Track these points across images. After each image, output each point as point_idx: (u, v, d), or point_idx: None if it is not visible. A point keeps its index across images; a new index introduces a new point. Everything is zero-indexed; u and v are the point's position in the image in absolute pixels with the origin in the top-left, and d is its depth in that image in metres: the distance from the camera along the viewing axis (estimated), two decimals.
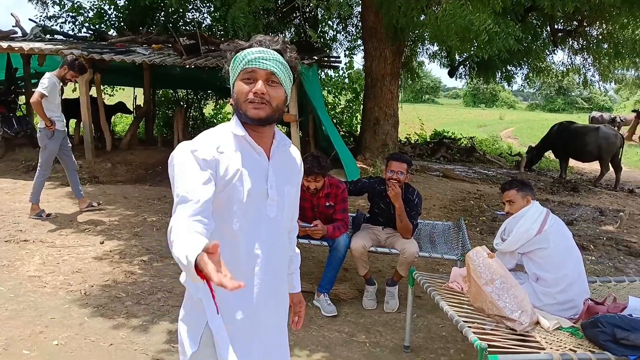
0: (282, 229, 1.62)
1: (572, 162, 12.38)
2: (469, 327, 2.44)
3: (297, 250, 1.82)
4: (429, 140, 14.21)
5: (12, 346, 3.06)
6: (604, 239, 6.07)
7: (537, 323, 2.67)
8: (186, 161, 1.42)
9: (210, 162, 1.43)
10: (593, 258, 5.35)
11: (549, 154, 12.14)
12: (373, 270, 4.27)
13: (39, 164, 5.86)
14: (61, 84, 5.68)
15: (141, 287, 4.05)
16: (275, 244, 1.58)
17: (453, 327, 3.55)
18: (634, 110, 24.96)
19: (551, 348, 2.40)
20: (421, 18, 7.07)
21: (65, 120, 5.94)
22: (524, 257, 3.04)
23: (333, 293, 3.90)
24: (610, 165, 10.62)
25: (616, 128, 24.24)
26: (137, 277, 4.24)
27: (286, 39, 1.48)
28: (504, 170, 11.68)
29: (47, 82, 5.49)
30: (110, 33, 11.29)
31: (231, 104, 1.54)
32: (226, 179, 1.46)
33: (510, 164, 12.63)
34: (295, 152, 1.69)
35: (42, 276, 4.14)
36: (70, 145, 6.03)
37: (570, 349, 2.39)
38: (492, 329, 2.54)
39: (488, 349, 2.22)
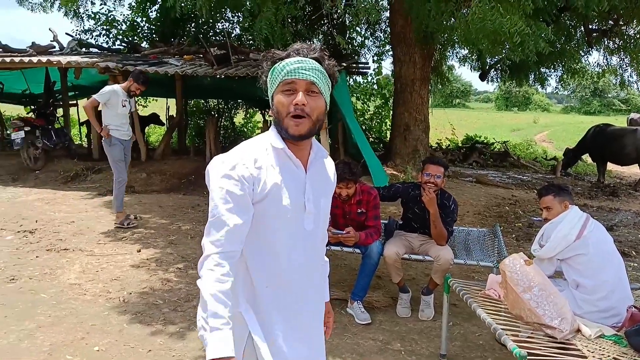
0: (319, 242, 1.62)
1: (611, 166, 12.04)
2: (507, 335, 2.40)
3: (326, 259, 1.80)
4: (460, 145, 14.02)
5: (56, 351, 3.15)
6: None
7: (578, 331, 2.60)
8: (222, 179, 1.43)
9: (247, 178, 1.43)
10: (635, 264, 5.18)
11: (587, 158, 11.84)
12: (406, 278, 4.23)
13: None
14: (127, 96, 5.87)
15: (177, 295, 4.12)
16: (313, 256, 1.59)
17: (490, 335, 3.51)
18: None
19: (593, 357, 2.33)
20: (451, 21, 7.02)
21: (131, 131, 6.13)
22: (563, 263, 2.96)
23: (366, 301, 3.88)
24: None
25: None
26: (174, 285, 4.32)
27: (323, 47, 1.44)
28: (539, 175, 11.43)
29: (104, 90, 5.75)
30: (142, 45, 11.59)
31: (270, 116, 1.52)
32: (264, 193, 1.45)
33: (545, 169, 12.35)
34: (330, 163, 1.67)
35: (82, 284, 4.26)
36: (129, 157, 6.22)
37: (613, 358, 2.32)
38: (530, 337, 2.49)
39: (528, 357, 2.17)
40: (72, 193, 7.65)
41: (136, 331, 3.48)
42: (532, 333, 2.53)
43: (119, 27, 12.53)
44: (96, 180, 8.49)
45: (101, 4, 12.46)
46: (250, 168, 1.44)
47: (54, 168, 9.04)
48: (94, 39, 12.35)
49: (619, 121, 24.97)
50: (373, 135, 12.96)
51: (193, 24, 12.17)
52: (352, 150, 9.53)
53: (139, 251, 5.13)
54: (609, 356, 2.36)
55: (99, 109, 6.02)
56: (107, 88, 5.78)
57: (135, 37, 12.22)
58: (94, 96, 5.76)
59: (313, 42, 12.35)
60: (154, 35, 12.12)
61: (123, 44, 11.63)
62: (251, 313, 1.51)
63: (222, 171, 1.44)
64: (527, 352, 2.22)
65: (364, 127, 12.76)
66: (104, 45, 11.86)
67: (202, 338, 1.39)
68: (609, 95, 53.14)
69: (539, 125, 30.46)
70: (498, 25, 5.37)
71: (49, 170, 8.95)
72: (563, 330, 2.47)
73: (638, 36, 9.79)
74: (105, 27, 12.46)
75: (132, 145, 9.60)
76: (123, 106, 5.83)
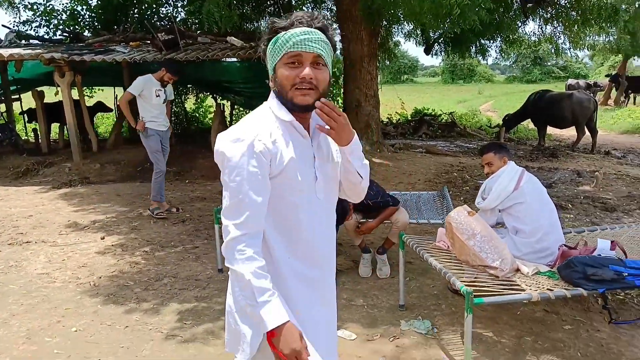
0: (330, 208, 1.61)
1: (551, 130, 12.74)
2: (455, 277, 2.69)
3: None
4: (410, 119, 14.45)
5: (34, 336, 3.25)
6: (582, 198, 6.38)
7: (518, 270, 2.93)
8: (241, 157, 1.40)
9: (265, 154, 1.41)
10: (571, 216, 5.66)
11: (529, 124, 12.47)
12: (366, 242, 4.51)
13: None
14: (160, 85, 5.75)
15: (147, 275, 4.25)
16: (329, 225, 1.61)
17: (444, 286, 3.84)
18: (607, 75, 25.52)
19: (530, 289, 2.66)
20: None
21: (167, 121, 6.02)
22: (504, 212, 3.30)
23: None
24: (586, 129, 10.97)
25: (592, 94, 24.86)
26: (142, 267, 4.44)
27: (323, 14, 1.42)
28: (484, 143, 11.98)
29: (136, 81, 5.65)
30: (85, 34, 11.29)
31: (272, 88, 1.49)
32: (282, 167, 1.44)
33: (490, 136, 12.94)
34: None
35: (50, 273, 4.32)
36: (167, 148, 6.08)
37: (547, 289, 2.66)
38: (476, 278, 2.80)
39: (474, 293, 2.47)
40: (25, 188, 7.53)
41: (110, 311, 3.61)
42: (477, 275, 2.83)
43: (58, 16, 12.11)
44: (48, 174, 8.35)
45: None
46: (267, 143, 1.41)
47: (3, 164, 8.83)
48: (34, 30, 11.92)
49: (559, 87, 26.16)
50: None
51: (136, 10, 11.94)
52: None
53: (103, 238, 5.19)
54: (544, 287, 2.69)
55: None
56: (139, 79, 5.68)
57: (77, 27, 11.87)
58: (128, 89, 5.70)
59: (259, 27, 12.39)
60: (97, 24, 11.82)
61: (65, 34, 11.30)
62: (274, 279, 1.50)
63: (238, 149, 1.40)
64: (473, 289, 2.51)
65: None
66: (45, 36, 11.47)
67: (251, 316, 1.44)
68: (549, 64, 55.08)
69: (483, 96, 31.47)
70: None
71: None
72: (504, 269, 2.79)
73: (569, 5, 10.32)
74: (44, 17, 12.03)
75: (82, 137, 9.57)
76: (157, 96, 5.74)
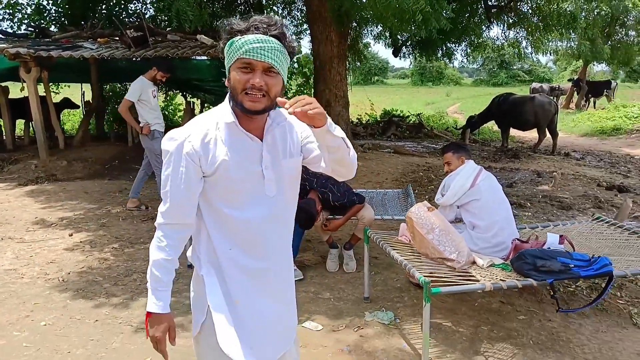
0: (285, 205, 1.63)
1: (514, 132, 13.17)
2: (415, 268, 2.85)
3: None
4: (379, 119, 14.69)
5: (3, 330, 3.26)
6: (540, 197, 6.68)
7: (474, 262, 3.11)
8: (169, 155, 1.52)
9: (192, 154, 1.49)
10: (529, 214, 5.92)
11: (493, 125, 12.85)
12: (334, 239, 4.65)
13: (143, 163, 6.00)
14: (153, 85, 5.70)
15: (116, 271, 4.28)
16: (282, 220, 1.63)
17: (407, 279, 4.01)
18: (569, 80, 26.40)
19: (484, 280, 2.84)
20: (363, 1, 7.41)
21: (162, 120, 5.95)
22: (462, 209, 3.48)
23: (298, 260, 4.25)
24: (547, 131, 11.39)
25: (555, 97, 25.69)
26: (111, 263, 4.46)
27: (281, 21, 1.47)
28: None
29: (132, 87, 5.59)
30: (52, 29, 11.10)
31: (227, 86, 1.52)
32: (213, 167, 1.50)
33: (456, 137, 13.28)
34: (291, 124, 1.64)
35: (18, 269, 4.31)
36: None
37: (500, 280, 2.84)
38: (435, 269, 2.96)
39: (431, 283, 2.63)
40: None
41: (80, 305, 3.64)
42: (435, 267, 3.00)
43: (23, 10, 11.88)
44: (14, 171, 8.23)
45: None
46: (196, 144, 1.49)
47: None
48: None
49: (524, 90, 26.93)
50: None
51: (104, 6, 11.81)
52: None
53: (71, 235, 5.18)
54: (497, 278, 2.88)
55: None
56: (134, 84, 5.62)
57: (43, 21, 11.66)
58: (126, 97, 5.66)
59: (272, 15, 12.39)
60: (64, 19, 11.63)
61: (30, 29, 11.08)
62: (212, 276, 1.60)
63: (169, 147, 1.52)
64: (431, 280, 2.67)
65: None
66: (8, 30, 11.24)
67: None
68: (514, 68, 56.45)
69: (451, 98, 32.10)
70: (402, 3, 5.83)
71: None
72: (460, 261, 2.97)
73: (531, 12, 10.71)
74: (7, 10, 11.77)
75: (48, 134, 9.42)
76: (154, 97, 5.71)
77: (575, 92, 24.18)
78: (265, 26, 1.44)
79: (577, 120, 17.34)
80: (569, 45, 21.21)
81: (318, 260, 4.46)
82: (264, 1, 12.38)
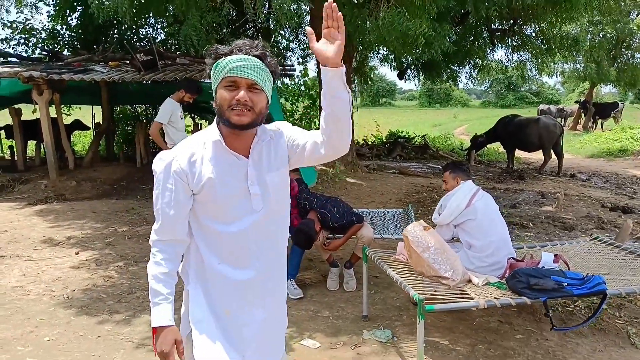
0: (272, 218, 1.69)
1: (520, 154, 13.20)
2: (410, 285, 2.90)
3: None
4: (385, 140, 14.81)
5: (7, 345, 3.33)
6: (543, 217, 6.69)
7: (470, 281, 3.15)
8: (159, 174, 1.63)
9: (179, 173, 1.59)
10: (531, 234, 5.94)
11: (499, 147, 12.88)
12: (335, 258, 4.70)
13: None
14: (180, 107, 5.76)
15: (120, 289, 4.35)
16: (268, 234, 1.70)
17: (406, 299, 4.04)
18: (577, 101, 26.46)
19: (479, 297, 2.88)
20: (366, 25, 7.58)
21: None
22: (458, 228, 3.53)
23: (299, 279, 4.31)
24: (552, 153, 11.41)
25: (562, 119, 25.69)
26: (116, 280, 4.54)
27: (263, 43, 1.60)
28: None
29: (162, 109, 5.66)
30: (64, 53, 11.40)
31: (214, 108, 1.62)
32: (200, 185, 1.59)
33: (462, 158, 13.34)
34: (275, 139, 1.70)
35: (25, 286, 4.39)
36: None
37: (494, 297, 2.88)
38: (430, 287, 3.01)
39: (425, 300, 2.68)
40: (0, 205, 7.54)
41: (83, 322, 3.71)
42: (431, 285, 3.04)
43: (37, 35, 12.22)
44: (24, 191, 8.37)
45: (17, 13, 12.14)
46: (183, 164, 1.59)
47: None
48: (12, 48, 12.00)
49: (531, 112, 26.99)
50: None
51: (116, 30, 12.12)
52: None
53: (77, 254, 5.27)
54: (491, 296, 2.91)
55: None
56: (164, 107, 5.66)
57: (56, 45, 11.99)
58: (156, 119, 5.70)
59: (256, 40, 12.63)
60: (76, 43, 11.95)
61: (44, 53, 11.39)
62: (198, 290, 1.68)
63: (159, 168, 1.63)
64: (425, 297, 2.72)
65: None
66: (23, 54, 11.55)
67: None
68: (522, 89, 56.60)
69: (458, 120, 32.24)
70: (405, 28, 5.96)
71: None
72: (455, 279, 3.01)
73: (534, 35, 10.86)
74: (23, 35, 12.12)
75: (58, 155, 9.60)
76: (181, 118, 5.75)
77: (582, 114, 24.21)
78: (247, 48, 1.56)
79: (583, 141, 17.33)
80: (575, 67, 21.40)
81: (319, 279, 4.51)
82: (271, 26, 12.65)
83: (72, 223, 6.46)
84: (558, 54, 10.52)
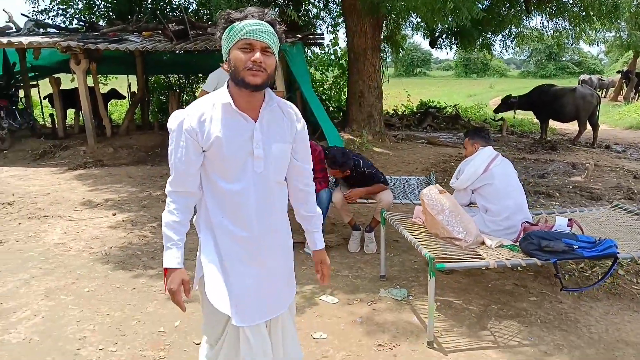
0: (272, 182, 1.81)
1: (555, 124, 12.91)
2: (422, 245, 3.02)
3: (318, 210, 2.03)
4: (415, 110, 14.70)
5: (52, 294, 3.64)
6: (570, 187, 6.64)
7: (483, 243, 3.25)
8: (173, 131, 1.74)
9: (190, 131, 1.70)
10: (557, 204, 5.92)
11: (533, 117, 12.61)
12: (358, 222, 4.85)
13: None
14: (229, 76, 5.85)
15: (154, 247, 4.62)
16: (267, 195, 1.80)
17: (424, 261, 4.14)
18: (618, 71, 25.46)
19: (490, 258, 2.98)
20: None
21: None
22: (475, 193, 3.61)
23: None
24: (588, 124, 11.14)
25: (602, 90, 24.81)
26: (150, 239, 4.81)
27: (273, 11, 1.70)
28: None
29: (209, 78, 5.66)
30: (100, 23, 11.70)
31: (224, 69, 1.71)
32: (209, 142, 1.70)
33: (494, 129, 13.15)
34: (288, 113, 1.83)
35: (66, 242, 4.71)
36: None
37: (505, 258, 2.97)
38: (443, 248, 3.12)
39: (436, 259, 2.80)
40: (42, 169, 7.95)
41: (120, 275, 3.99)
42: (444, 246, 3.15)
43: (75, 6, 12.55)
44: (64, 157, 8.78)
45: None
46: (194, 122, 1.70)
47: (22, 147, 9.27)
48: (51, 19, 12.37)
49: (572, 83, 26.12)
50: (333, 104, 13.48)
51: (150, 1, 12.32)
52: (312, 118, 10.05)
53: (115, 215, 5.58)
54: (503, 257, 3.01)
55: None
56: (212, 75, 5.64)
57: (93, 16, 12.29)
58: (203, 88, 5.64)
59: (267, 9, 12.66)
60: (111, 14, 12.22)
61: (80, 23, 11.71)
62: (208, 238, 1.83)
63: (172, 125, 1.74)
64: (437, 256, 2.84)
65: (323, 97, 13.24)
66: (61, 25, 11.91)
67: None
68: (563, 59, 54.65)
69: (494, 90, 31.43)
70: None
71: (17, 150, 9.18)
72: (467, 240, 3.11)
73: (571, 1, 10.49)
74: (61, 6, 12.46)
75: (96, 123, 9.96)
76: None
77: (625, 84, 23.32)
78: (260, 13, 1.67)
79: (622, 113, 16.78)
80: (618, 35, 20.51)
81: (340, 241, 4.68)
82: None
83: (109, 187, 6.79)
84: (597, 21, 10.15)
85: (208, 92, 5.68)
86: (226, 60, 1.70)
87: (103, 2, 12.72)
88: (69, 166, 8.10)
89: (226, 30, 1.68)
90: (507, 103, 11.74)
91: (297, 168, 1.90)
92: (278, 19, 1.72)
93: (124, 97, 12.22)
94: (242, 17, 1.66)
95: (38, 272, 4.03)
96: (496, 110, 12.22)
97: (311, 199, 2.01)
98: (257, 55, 1.64)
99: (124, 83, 13.21)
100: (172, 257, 1.78)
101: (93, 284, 3.83)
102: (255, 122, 1.74)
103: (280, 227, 1.91)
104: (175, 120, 1.74)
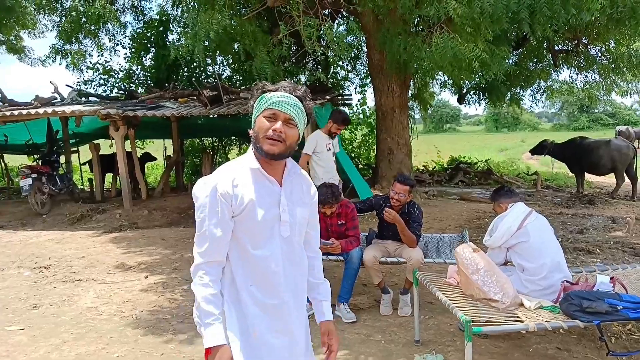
0: (297, 245, 1.84)
1: (592, 178, 12.58)
2: (458, 307, 2.90)
3: (326, 280, 2.02)
4: (446, 166, 14.63)
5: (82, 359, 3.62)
6: (612, 243, 6.37)
7: (522, 305, 3.10)
8: (205, 198, 1.72)
9: (225, 196, 1.70)
10: (598, 261, 5.66)
11: (568, 172, 12.32)
12: (390, 283, 4.75)
13: None
14: (329, 138, 5.68)
15: (184, 310, 4.59)
16: (293, 258, 1.82)
17: (460, 324, 3.98)
18: None
19: (529, 320, 2.83)
20: (421, 52, 7.68)
21: (337, 175, 5.89)
22: (511, 251, 3.49)
23: (352, 303, 4.37)
24: (626, 176, 10.83)
25: (638, 141, 24.28)
26: (180, 302, 4.80)
27: (305, 88, 1.80)
28: (521, 190, 11.97)
29: (308, 140, 5.66)
30: (139, 91, 12.31)
31: (249, 136, 1.78)
32: (241, 207, 1.71)
33: (528, 183, 12.91)
34: (305, 177, 1.93)
35: (98, 307, 4.74)
36: None
37: (546, 320, 2.82)
38: (480, 310, 2.99)
39: (472, 322, 2.68)
40: (79, 232, 8.15)
41: (150, 340, 3.96)
42: (481, 308, 3.02)
43: (115, 76, 13.27)
44: (101, 220, 9.00)
45: (99, 55, 13.26)
46: (228, 187, 1.71)
47: (60, 211, 9.56)
48: (93, 88, 13.08)
49: (607, 135, 25.68)
50: (362, 162, 13.57)
51: (186, 69, 12.93)
52: (342, 175, 10.12)
53: (147, 277, 5.61)
54: (542, 319, 2.86)
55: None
56: (310, 137, 5.62)
57: (132, 84, 12.95)
58: (304, 151, 5.58)
59: (300, 79, 13.11)
60: (149, 82, 12.85)
61: (120, 92, 12.34)
62: (232, 311, 1.76)
63: (204, 191, 1.73)
64: (472, 319, 2.72)
65: (352, 154, 13.38)
66: (102, 93, 12.57)
67: (200, 332, 1.72)
68: (596, 111, 54.07)
69: (526, 144, 31.05)
70: (458, 52, 6.02)
71: (56, 214, 9.47)
72: (505, 302, 2.98)
73: (600, 55, 10.52)
74: (103, 77, 13.20)
75: (132, 186, 10.25)
76: (328, 150, 5.66)
77: None
78: (290, 89, 1.76)
79: None
80: None
81: (372, 303, 4.55)
82: (330, 59, 13.06)
83: (143, 249, 6.88)
84: (627, 72, 10.11)
85: (309, 154, 5.53)
86: (253, 126, 1.77)
87: (142, 72, 13.41)
88: (105, 229, 8.27)
89: (257, 100, 1.77)
90: (543, 145, 11.58)
91: (307, 234, 1.92)
92: (309, 96, 1.81)
93: (156, 159, 12.64)
94: (274, 89, 1.75)
95: (69, 336, 4.04)
96: (532, 151, 12.04)
97: (317, 265, 2.00)
98: (278, 125, 1.70)
99: (160, 147, 13.70)
100: (217, 334, 1.68)
101: (123, 349, 3.80)
102: (280, 187, 1.79)
103: (303, 293, 1.91)
104: (207, 186, 1.74)
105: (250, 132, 1.78)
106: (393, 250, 4.40)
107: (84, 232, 8.14)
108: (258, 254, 1.75)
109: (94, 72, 13.30)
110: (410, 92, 10.96)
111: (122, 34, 13.18)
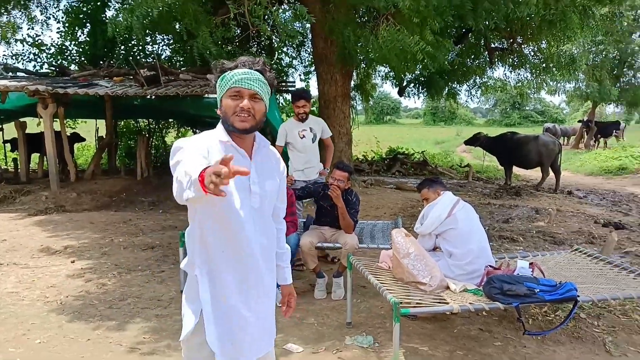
0: (267, 217, 1.90)
1: (519, 171, 13.25)
2: (388, 290, 2.99)
3: (287, 247, 2.13)
4: (384, 156, 14.93)
5: (0, 346, 3.43)
6: (534, 232, 6.75)
7: (448, 288, 3.24)
8: (185, 148, 1.68)
9: (201, 150, 1.69)
10: (521, 248, 5.99)
11: (498, 164, 12.95)
12: (327, 269, 4.80)
13: None
14: (302, 124, 5.22)
15: (112, 295, 4.45)
16: (263, 229, 1.86)
17: (390, 307, 4.10)
18: (579, 121, 26.58)
19: (454, 302, 2.96)
20: (368, 44, 7.76)
21: (318, 164, 5.49)
22: (439, 237, 3.63)
23: None
24: (550, 170, 11.49)
25: (564, 138, 25.75)
26: (108, 288, 4.64)
27: (263, 59, 1.81)
28: (454, 181, 12.44)
29: (279, 134, 5.26)
30: (71, 68, 11.68)
31: (218, 114, 1.81)
32: None
33: (460, 175, 13.42)
34: (274, 152, 1.98)
35: (20, 292, 4.50)
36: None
37: (469, 302, 2.96)
38: (408, 293, 3.10)
39: (401, 304, 2.76)
40: (1, 215, 7.69)
41: (75, 326, 3.81)
42: (409, 291, 3.13)
43: (47, 51, 12.53)
44: (25, 202, 8.54)
45: (29, 28, 12.48)
46: (203, 151, 1.70)
47: None
48: (23, 63, 12.30)
49: (536, 131, 27.08)
50: None
51: (123, 47, 12.39)
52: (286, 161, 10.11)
53: (73, 262, 5.38)
54: (467, 302, 3.00)
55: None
56: (280, 130, 5.22)
57: (64, 61, 12.27)
58: (277, 144, 5.16)
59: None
60: (83, 59, 12.23)
61: (51, 68, 11.67)
62: (205, 276, 1.80)
63: (181, 144, 1.71)
64: (402, 301, 2.81)
65: None
66: (31, 69, 11.84)
67: (191, 184, 1.47)
68: (527, 108, 56.79)
69: (461, 137, 32.21)
70: (405, 45, 6.12)
71: None
72: (432, 285, 3.10)
73: (532, 54, 11.02)
74: (33, 51, 12.43)
75: (60, 167, 9.77)
76: (302, 137, 5.16)
77: (585, 133, 24.33)
78: (250, 63, 1.79)
79: (583, 160, 17.39)
80: (577, 86, 21.59)
81: (307, 288, 4.60)
82: (275, 44, 12.92)
83: (70, 233, 6.58)
84: (556, 72, 10.65)
85: (281, 146, 5.17)
86: (219, 106, 1.81)
87: (75, 48, 12.72)
88: (29, 212, 7.85)
89: (219, 79, 1.79)
90: (477, 137, 12.09)
91: (274, 207, 1.98)
92: (268, 67, 1.82)
93: (84, 139, 12.09)
94: (233, 66, 1.78)
95: None
96: (466, 142, 12.54)
97: (282, 236, 2.09)
98: (245, 102, 1.74)
99: (93, 127, 13.10)
100: (201, 166, 1.46)
101: (45, 335, 3.64)
102: (251, 160, 1.83)
103: (273, 262, 1.97)
104: (185, 140, 1.75)
105: (218, 111, 1.81)
106: (329, 235, 4.46)
107: (7, 215, 7.69)
108: (229, 220, 1.76)
109: (23, 46, 12.51)
110: (352, 82, 11.04)
111: (55, 7, 12.46)
